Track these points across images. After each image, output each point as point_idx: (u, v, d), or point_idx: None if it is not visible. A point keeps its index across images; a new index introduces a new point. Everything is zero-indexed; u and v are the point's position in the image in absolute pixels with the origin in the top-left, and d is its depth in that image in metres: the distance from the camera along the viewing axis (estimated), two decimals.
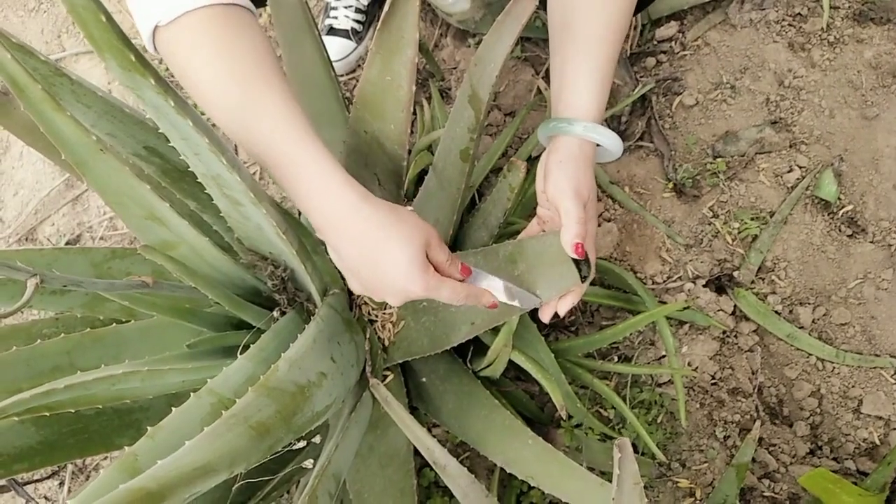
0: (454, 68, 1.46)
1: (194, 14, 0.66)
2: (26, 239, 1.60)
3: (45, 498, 1.46)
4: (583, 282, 0.80)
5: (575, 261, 0.79)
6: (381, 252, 0.69)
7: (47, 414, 0.71)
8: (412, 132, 1.41)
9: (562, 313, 0.84)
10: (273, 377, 0.62)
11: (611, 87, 0.84)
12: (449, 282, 0.73)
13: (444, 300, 0.73)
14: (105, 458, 1.42)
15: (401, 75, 0.73)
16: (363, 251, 0.70)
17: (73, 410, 0.74)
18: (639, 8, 1.14)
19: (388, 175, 0.87)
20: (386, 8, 0.70)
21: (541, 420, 1.20)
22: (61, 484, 1.45)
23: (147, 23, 0.67)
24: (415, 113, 1.41)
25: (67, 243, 1.56)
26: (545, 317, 0.85)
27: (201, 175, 0.68)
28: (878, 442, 1.13)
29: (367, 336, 0.99)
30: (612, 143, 0.81)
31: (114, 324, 0.90)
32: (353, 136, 0.86)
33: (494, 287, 0.79)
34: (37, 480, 1.43)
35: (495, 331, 0.97)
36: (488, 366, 1.02)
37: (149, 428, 0.64)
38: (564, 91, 0.82)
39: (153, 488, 0.42)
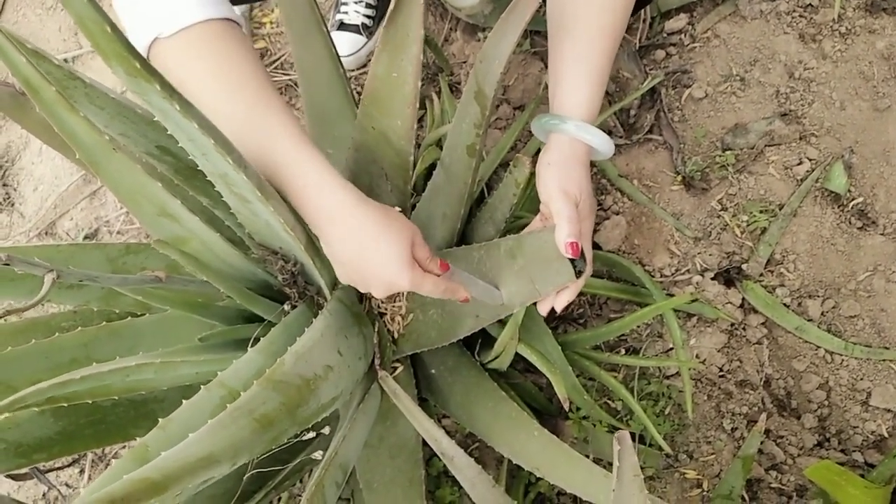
0: (464, 62, 1.47)
1: (192, 29, 0.70)
2: (46, 233, 1.64)
3: (67, 485, 1.50)
4: (578, 277, 0.82)
5: (571, 257, 0.81)
6: (372, 250, 0.75)
7: (65, 405, 0.73)
8: (422, 126, 1.43)
9: (558, 308, 0.86)
10: (279, 370, 0.63)
11: (606, 86, 0.86)
12: (430, 276, 0.79)
13: (425, 293, 0.80)
14: (123, 447, 1.45)
15: (407, 72, 0.74)
16: (355, 248, 0.76)
17: (89, 401, 0.77)
18: (638, 6, 1.15)
19: (395, 170, 0.88)
20: (392, 5, 0.71)
21: (549, 411, 1.21)
22: (82, 472, 1.49)
23: (143, 37, 0.70)
24: (424, 107, 1.42)
25: (85, 237, 1.59)
26: (543, 310, 0.87)
27: (210, 174, 0.69)
28: (886, 434, 1.13)
29: (377, 329, 1.01)
30: (601, 143, 0.83)
31: (129, 317, 0.92)
32: (360, 132, 0.88)
33: (467, 283, 0.85)
34: (58, 468, 1.47)
35: (502, 324, 0.98)
36: (496, 358, 1.03)
37: (161, 420, 0.66)
38: (559, 89, 0.84)
39: (157, 478, 0.44)
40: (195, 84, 0.71)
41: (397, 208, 0.82)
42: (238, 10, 1.55)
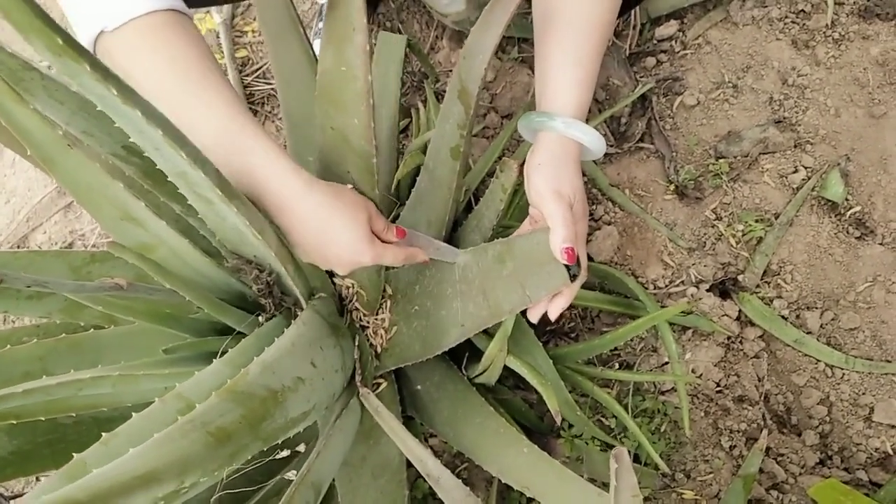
0: (450, 70, 1.43)
1: (137, 21, 0.68)
2: (18, 247, 1.58)
3: None
4: (572, 281, 0.77)
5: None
6: (330, 231, 0.76)
7: (21, 422, 0.67)
8: (407, 135, 1.39)
9: (552, 316, 0.81)
10: (242, 381, 0.58)
11: (595, 82, 0.82)
12: (390, 247, 0.81)
13: (387, 263, 0.82)
14: None
15: (355, 65, 0.70)
16: (313, 231, 0.76)
17: (46, 419, 0.71)
18: (627, 6, 1.12)
19: (360, 173, 0.84)
20: None
21: (540, 430, 1.16)
22: None
23: (89, 29, 0.69)
24: (410, 116, 1.39)
25: None
26: (534, 317, 0.83)
27: (169, 173, 0.64)
28: (890, 451, 1.09)
29: (357, 342, 0.96)
30: (592, 139, 0.79)
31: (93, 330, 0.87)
32: (321, 133, 0.83)
33: (425, 245, 0.88)
34: (25, 494, 1.40)
35: (490, 336, 0.93)
36: (483, 372, 0.98)
37: (105, 434, 0.60)
38: (546, 86, 0.81)
39: (80, 498, 0.39)
40: (142, 76, 0.70)
41: (349, 185, 0.82)
42: (219, 18, 1.52)
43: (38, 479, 1.44)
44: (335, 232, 0.76)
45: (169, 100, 0.69)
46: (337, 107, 0.76)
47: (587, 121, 0.84)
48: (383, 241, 0.81)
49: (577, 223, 0.78)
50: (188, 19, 0.74)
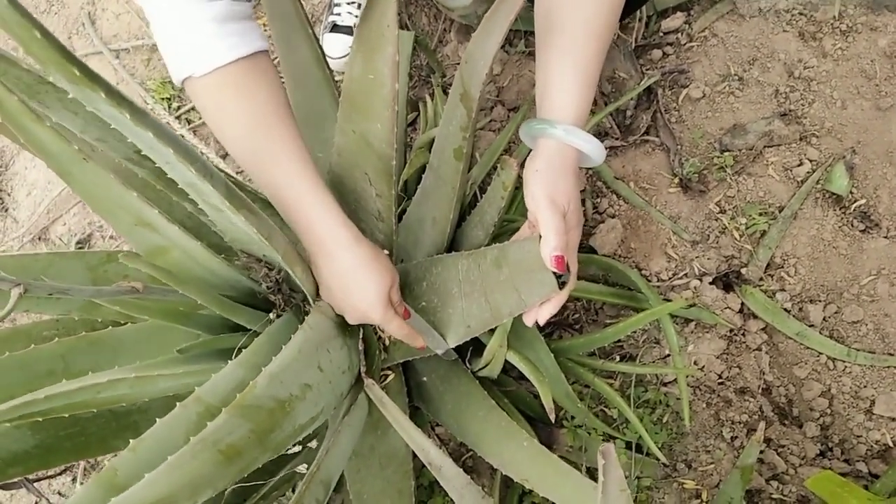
0: (457, 64, 1.44)
1: (222, 70, 0.74)
2: (38, 238, 1.62)
3: (59, 493, 1.49)
4: (561, 289, 0.79)
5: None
6: (357, 284, 0.84)
7: (40, 419, 0.71)
8: (415, 129, 1.41)
9: (541, 321, 0.83)
10: (249, 395, 0.60)
11: (595, 89, 0.83)
12: (398, 319, 0.88)
13: (389, 331, 0.90)
14: (115, 454, 1.43)
15: (383, 73, 0.71)
16: (343, 279, 0.84)
17: (65, 416, 0.75)
18: (632, 8, 1.12)
19: (378, 175, 0.86)
20: (364, 5, 0.69)
21: (544, 420, 1.19)
22: (74, 480, 1.48)
23: (180, 72, 0.75)
24: (418, 110, 1.40)
25: (78, 243, 1.58)
26: (528, 321, 0.85)
27: (180, 182, 0.67)
28: (891, 444, 1.10)
29: (364, 336, 0.99)
30: (592, 148, 0.80)
31: (111, 327, 0.90)
32: (341, 136, 0.85)
33: (424, 331, 0.94)
34: (50, 477, 1.45)
35: (493, 331, 0.96)
36: (486, 366, 1.01)
37: (132, 441, 0.63)
38: (547, 92, 0.81)
39: None
40: (219, 122, 0.78)
41: (385, 252, 0.90)
42: None
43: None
44: (361, 287, 0.84)
45: (240, 145, 0.78)
46: (361, 111, 0.78)
47: (591, 116, 0.85)
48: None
49: (570, 232, 0.79)
50: (267, 60, 0.79)
